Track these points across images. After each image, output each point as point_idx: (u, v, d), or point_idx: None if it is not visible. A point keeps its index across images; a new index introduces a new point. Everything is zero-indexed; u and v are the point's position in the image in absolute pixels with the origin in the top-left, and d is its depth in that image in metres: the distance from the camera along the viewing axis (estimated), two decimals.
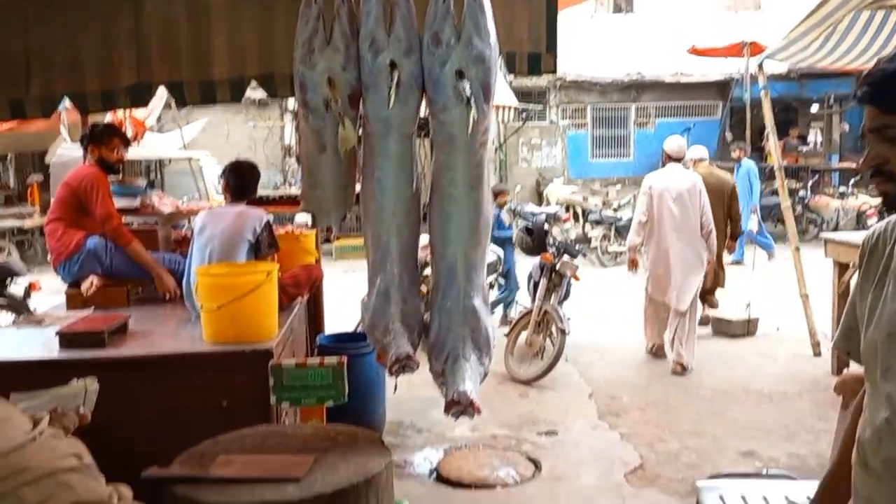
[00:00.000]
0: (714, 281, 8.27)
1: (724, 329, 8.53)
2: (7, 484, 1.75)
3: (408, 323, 2.75)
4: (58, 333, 3.56)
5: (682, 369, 7.09)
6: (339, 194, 2.86)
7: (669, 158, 7.45)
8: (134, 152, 9.11)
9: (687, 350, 7.17)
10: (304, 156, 2.96)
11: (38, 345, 3.64)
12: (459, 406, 2.63)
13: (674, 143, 7.54)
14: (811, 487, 3.30)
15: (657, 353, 7.61)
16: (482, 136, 2.73)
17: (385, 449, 1.99)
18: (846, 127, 17.92)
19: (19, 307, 7.30)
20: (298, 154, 13.01)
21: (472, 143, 2.68)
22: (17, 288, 7.80)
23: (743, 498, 3.21)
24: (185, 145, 13.14)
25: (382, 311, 2.75)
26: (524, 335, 7.15)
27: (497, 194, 8.55)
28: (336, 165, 2.78)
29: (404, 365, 2.66)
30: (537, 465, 5.21)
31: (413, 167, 2.80)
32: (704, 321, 8.68)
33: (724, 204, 8.27)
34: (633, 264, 7.46)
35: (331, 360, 2.89)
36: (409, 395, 6.50)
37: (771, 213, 14.67)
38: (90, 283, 4.48)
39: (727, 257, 9.21)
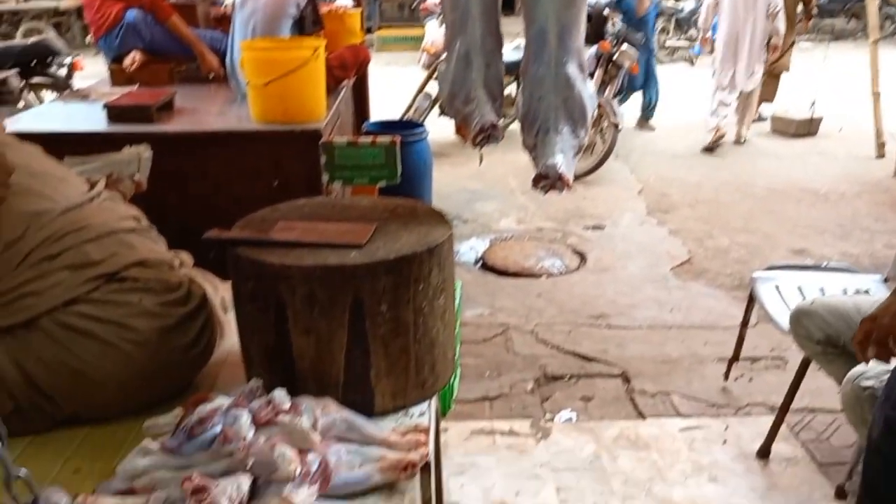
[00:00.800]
0: (778, 64, 7.91)
1: (784, 128, 8.19)
2: (69, 240, 1.74)
3: (491, 90, 2.57)
4: (105, 106, 3.48)
5: (741, 139, 7.83)
6: None
7: None
8: None
9: (746, 125, 7.82)
10: None
11: (86, 118, 3.59)
12: (548, 180, 2.50)
13: None
14: (870, 281, 3.24)
15: (716, 142, 7.55)
16: None
17: (446, 221, 1.92)
18: None
19: (63, 86, 7.22)
20: None
21: None
22: (59, 69, 7.68)
23: (799, 289, 3.17)
24: None
25: (463, 77, 2.56)
26: None
27: None
28: None
29: (489, 135, 2.51)
30: (583, 257, 5.24)
31: None
32: (762, 118, 8.40)
33: None
34: (705, 42, 7.92)
35: (384, 139, 2.77)
36: (454, 187, 6.47)
37: (845, 7, 13.57)
38: (132, 59, 4.34)
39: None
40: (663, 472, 2.97)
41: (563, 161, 2.52)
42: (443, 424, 2.86)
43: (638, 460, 3.04)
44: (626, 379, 3.68)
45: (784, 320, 2.88)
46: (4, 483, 0.73)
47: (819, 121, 8.11)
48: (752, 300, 3.36)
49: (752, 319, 3.53)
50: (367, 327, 1.71)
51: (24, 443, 1.71)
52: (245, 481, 1.41)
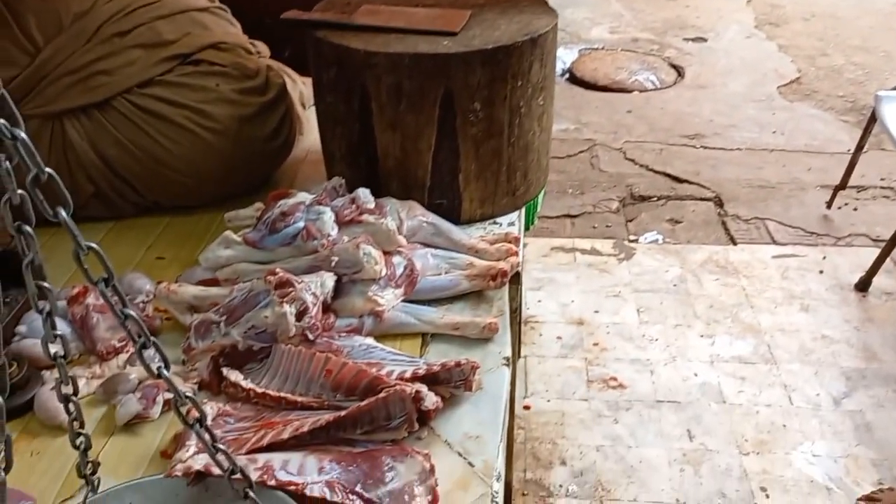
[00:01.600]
0: None
1: None
2: (140, 16, 1.61)
3: None
4: None
5: None
6: None
7: None
8: None
9: None
10: None
11: None
12: None
13: None
14: None
15: None
16: None
17: (551, 10, 1.70)
18: None
19: None
20: None
21: None
22: None
23: None
24: None
25: None
26: None
27: None
28: None
29: None
30: (680, 72, 4.87)
31: None
32: None
33: None
34: None
35: None
36: None
37: None
38: None
39: None
40: (751, 298, 2.86)
41: None
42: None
43: (725, 286, 2.93)
44: (718, 202, 3.49)
45: None
46: (75, 257, 0.64)
47: None
48: (870, 122, 3.05)
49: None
50: (458, 125, 1.56)
51: (106, 227, 1.69)
52: (329, 279, 1.34)
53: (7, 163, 0.62)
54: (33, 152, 0.61)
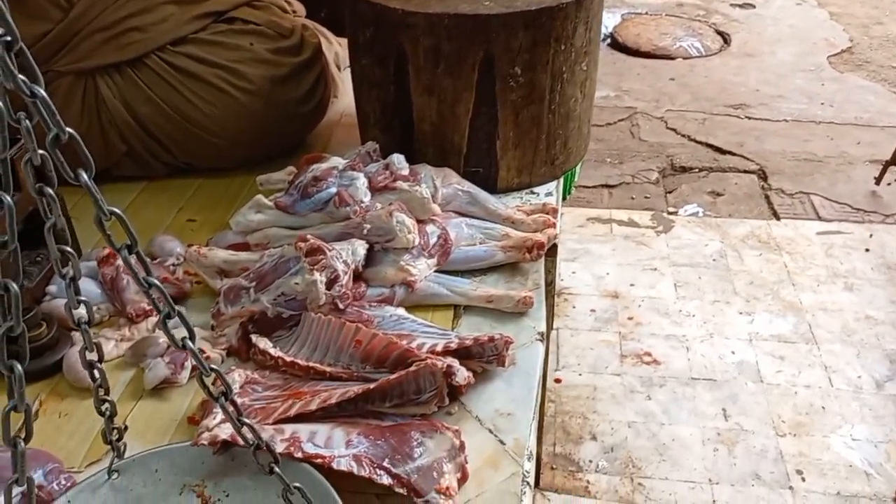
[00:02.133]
0: None
1: None
2: None
3: None
4: None
5: None
6: None
7: None
8: None
9: None
10: None
11: None
12: None
13: None
14: None
15: None
16: None
17: None
18: None
19: None
20: None
21: None
22: None
23: None
24: None
25: None
26: None
27: None
28: None
29: None
30: (726, 39, 4.71)
31: None
32: None
33: None
34: None
35: None
36: None
37: None
38: None
39: None
40: (794, 275, 2.77)
41: None
42: None
43: (767, 262, 2.84)
44: (762, 175, 3.38)
45: None
46: (97, 222, 0.61)
47: None
48: None
49: None
50: (498, 90, 1.50)
51: (139, 188, 1.68)
52: (361, 247, 1.31)
53: (27, 121, 0.59)
54: (53, 111, 0.58)
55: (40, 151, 0.61)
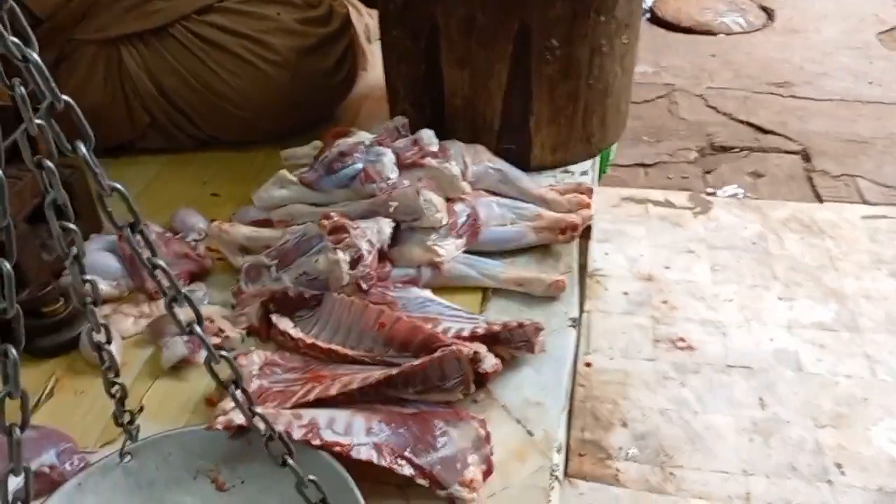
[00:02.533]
0: None
1: None
2: None
3: None
4: None
5: None
6: None
7: None
8: None
9: None
10: None
11: None
12: None
13: None
14: None
15: None
16: None
17: None
18: None
19: None
20: None
21: None
22: None
23: None
24: None
25: None
26: None
27: None
28: None
29: None
30: (770, 15, 4.55)
31: None
32: None
33: None
34: None
35: None
36: None
37: None
38: None
39: None
40: (836, 261, 2.67)
41: None
42: None
43: (808, 246, 2.74)
44: (805, 157, 3.26)
45: None
46: (97, 198, 0.57)
47: None
48: None
49: None
50: (533, 64, 1.44)
51: (163, 160, 1.64)
52: (387, 226, 1.26)
53: (22, 88, 0.54)
54: (47, 77, 0.53)
55: (37, 121, 0.56)
